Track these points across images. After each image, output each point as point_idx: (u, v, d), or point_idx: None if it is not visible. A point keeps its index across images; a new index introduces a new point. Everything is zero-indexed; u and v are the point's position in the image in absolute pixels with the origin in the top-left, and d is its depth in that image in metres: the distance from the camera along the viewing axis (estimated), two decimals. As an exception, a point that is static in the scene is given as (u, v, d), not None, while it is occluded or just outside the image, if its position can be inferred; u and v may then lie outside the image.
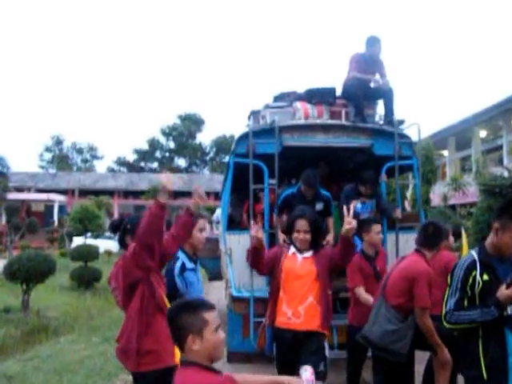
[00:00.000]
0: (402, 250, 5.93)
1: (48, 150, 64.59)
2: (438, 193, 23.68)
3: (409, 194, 16.72)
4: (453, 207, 23.51)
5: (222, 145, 63.14)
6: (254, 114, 6.70)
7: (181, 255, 3.83)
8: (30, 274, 9.31)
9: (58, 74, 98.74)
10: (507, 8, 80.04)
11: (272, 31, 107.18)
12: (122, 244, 3.64)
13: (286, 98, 6.56)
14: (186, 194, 45.65)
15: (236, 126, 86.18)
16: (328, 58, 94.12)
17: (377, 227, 4.85)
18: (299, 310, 3.79)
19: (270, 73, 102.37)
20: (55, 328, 9.11)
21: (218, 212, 11.18)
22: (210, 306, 2.20)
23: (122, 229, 3.63)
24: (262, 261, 4.02)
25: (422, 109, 73.76)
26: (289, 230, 4.07)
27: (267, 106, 6.46)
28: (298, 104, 6.29)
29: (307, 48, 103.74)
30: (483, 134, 26.84)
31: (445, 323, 3.06)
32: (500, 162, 24.66)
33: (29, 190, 42.05)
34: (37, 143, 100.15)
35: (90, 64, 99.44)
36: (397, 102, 6.58)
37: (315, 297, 3.82)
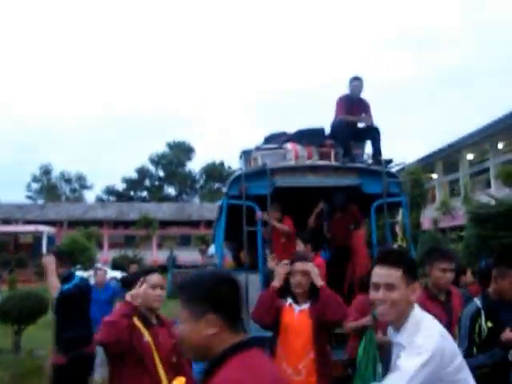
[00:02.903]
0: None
1: (36, 180, 64.19)
2: (428, 217, 23.92)
3: (398, 228, 16.90)
4: (443, 231, 23.70)
5: (211, 171, 63.35)
6: (246, 155, 6.82)
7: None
8: (22, 314, 9.21)
9: (46, 102, 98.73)
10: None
11: (262, 58, 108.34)
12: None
13: (276, 139, 6.69)
14: (177, 223, 45.62)
15: (225, 152, 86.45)
16: (318, 95, 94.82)
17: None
18: (299, 368, 3.65)
19: (260, 99, 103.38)
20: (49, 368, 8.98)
21: (213, 248, 11.27)
22: None
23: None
24: (271, 308, 3.82)
25: (410, 133, 74.48)
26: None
27: (258, 148, 6.60)
28: (289, 145, 6.44)
29: (295, 80, 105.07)
30: (470, 156, 27.21)
31: None
32: (487, 184, 25.01)
33: (16, 221, 41.69)
34: (24, 173, 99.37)
35: (78, 92, 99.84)
36: (384, 140, 6.71)
37: (315, 353, 3.67)
